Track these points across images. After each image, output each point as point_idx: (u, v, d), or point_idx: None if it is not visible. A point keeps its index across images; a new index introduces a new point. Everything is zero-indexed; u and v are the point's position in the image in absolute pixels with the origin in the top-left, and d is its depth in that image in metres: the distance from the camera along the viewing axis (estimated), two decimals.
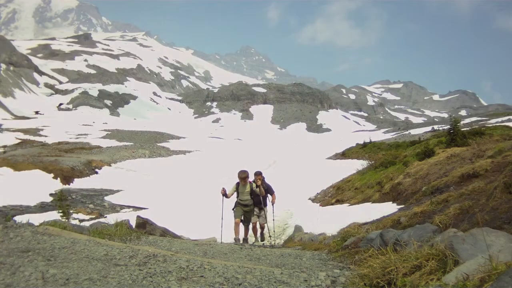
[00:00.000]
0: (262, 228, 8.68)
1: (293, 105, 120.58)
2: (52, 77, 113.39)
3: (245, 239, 7.99)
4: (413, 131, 63.09)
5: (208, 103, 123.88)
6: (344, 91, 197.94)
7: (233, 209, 7.93)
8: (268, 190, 8.50)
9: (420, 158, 11.70)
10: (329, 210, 12.02)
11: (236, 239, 7.52)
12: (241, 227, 8.00)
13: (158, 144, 45.42)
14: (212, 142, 55.08)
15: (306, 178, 22.37)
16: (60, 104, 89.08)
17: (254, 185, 7.90)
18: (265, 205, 8.45)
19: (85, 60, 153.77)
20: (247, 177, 7.84)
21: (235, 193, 7.97)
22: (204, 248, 3.70)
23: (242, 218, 7.86)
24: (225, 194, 7.77)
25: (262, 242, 8.37)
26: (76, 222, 11.76)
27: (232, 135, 73.52)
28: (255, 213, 8.31)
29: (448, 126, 14.36)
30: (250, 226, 8.38)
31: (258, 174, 8.17)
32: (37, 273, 1.84)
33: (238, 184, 7.91)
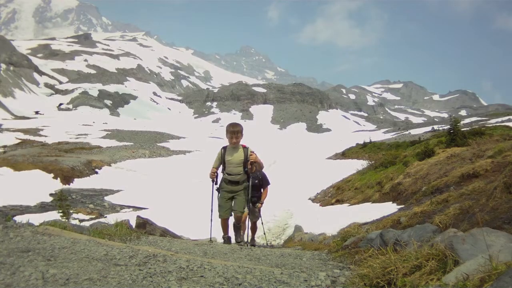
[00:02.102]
0: (253, 226, 6.65)
1: (293, 105, 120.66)
2: (52, 77, 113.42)
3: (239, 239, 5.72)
4: (413, 131, 63.11)
5: (208, 103, 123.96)
6: (344, 91, 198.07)
7: (217, 190, 5.46)
8: (263, 180, 6.46)
9: (420, 158, 11.70)
10: (329, 210, 12.01)
11: (226, 238, 5.62)
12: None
13: (158, 144, 45.45)
14: (212, 142, 55.08)
15: (306, 178, 22.37)
16: (60, 104, 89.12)
17: (249, 151, 5.32)
18: (259, 198, 6.50)
19: (85, 60, 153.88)
20: (240, 132, 5.23)
21: (221, 167, 5.42)
22: (204, 248, 3.70)
23: (232, 213, 5.43)
24: (216, 179, 5.41)
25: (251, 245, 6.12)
26: (76, 222, 11.76)
27: None
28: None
29: (448, 126, 14.36)
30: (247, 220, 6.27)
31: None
32: (37, 273, 1.84)
33: (225, 149, 5.34)
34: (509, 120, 44.16)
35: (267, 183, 6.56)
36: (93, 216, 14.87)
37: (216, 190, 5.44)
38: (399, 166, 12.85)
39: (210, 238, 5.85)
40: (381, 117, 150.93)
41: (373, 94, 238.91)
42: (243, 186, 5.36)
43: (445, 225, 3.28)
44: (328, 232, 6.90)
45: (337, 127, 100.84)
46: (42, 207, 16.39)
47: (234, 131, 5.19)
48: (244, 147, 5.35)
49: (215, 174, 5.34)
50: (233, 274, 2.13)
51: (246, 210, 5.60)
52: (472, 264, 1.57)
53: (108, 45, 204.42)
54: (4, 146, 35.77)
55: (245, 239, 6.10)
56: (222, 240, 5.72)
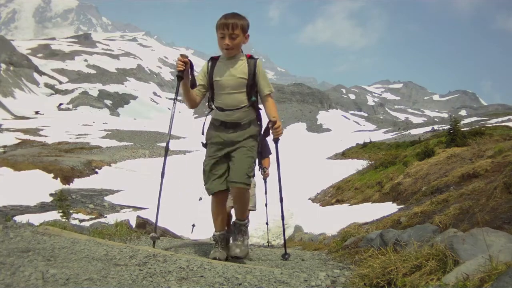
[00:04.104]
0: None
1: (293, 105, 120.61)
2: (52, 77, 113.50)
3: (243, 222, 2.96)
4: (413, 131, 63.08)
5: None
6: (344, 91, 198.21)
7: (204, 145, 2.95)
8: (263, 147, 4.27)
9: (420, 158, 11.71)
10: (329, 210, 12.02)
11: (219, 236, 2.97)
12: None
13: (158, 144, 45.47)
14: None
15: (306, 178, 22.37)
16: (60, 104, 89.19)
17: (259, 66, 2.75)
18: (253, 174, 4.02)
19: (85, 60, 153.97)
20: (239, 28, 2.63)
21: (206, 93, 2.92)
22: (204, 248, 3.70)
23: (228, 177, 2.77)
24: (189, 70, 2.74)
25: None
26: (76, 222, 11.76)
27: None
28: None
29: (448, 126, 14.39)
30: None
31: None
32: (37, 273, 1.84)
33: (214, 61, 2.85)
34: (509, 120, 44.15)
35: (269, 152, 4.53)
36: (93, 216, 14.87)
37: (203, 145, 2.98)
38: (399, 166, 12.85)
39: (155, 232, 3.11)
40: (381, 117, 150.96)
41: (373, 94, 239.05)
42: (248, 133, 2.76)
43: (445, 225, 3.28)
44: (328, 232, 6.90)
45: (337, 127, 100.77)
46: (42, 207, 16.40)
47: (227, 23, 2.61)
48: (250, 58, 2.78)
49: (187, 61, 2.73)
50: (233, 274, 2.13)
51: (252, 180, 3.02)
52: (472, 264, 1.57)
53: (108, 45, 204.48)
54: (4, 146, 35.79)
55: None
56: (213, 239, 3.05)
